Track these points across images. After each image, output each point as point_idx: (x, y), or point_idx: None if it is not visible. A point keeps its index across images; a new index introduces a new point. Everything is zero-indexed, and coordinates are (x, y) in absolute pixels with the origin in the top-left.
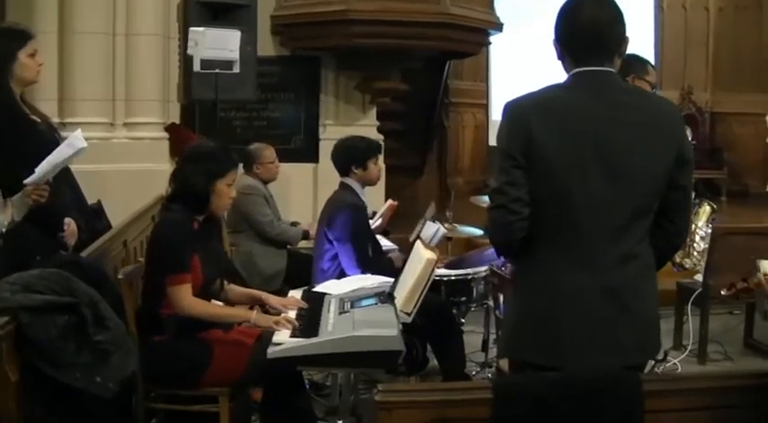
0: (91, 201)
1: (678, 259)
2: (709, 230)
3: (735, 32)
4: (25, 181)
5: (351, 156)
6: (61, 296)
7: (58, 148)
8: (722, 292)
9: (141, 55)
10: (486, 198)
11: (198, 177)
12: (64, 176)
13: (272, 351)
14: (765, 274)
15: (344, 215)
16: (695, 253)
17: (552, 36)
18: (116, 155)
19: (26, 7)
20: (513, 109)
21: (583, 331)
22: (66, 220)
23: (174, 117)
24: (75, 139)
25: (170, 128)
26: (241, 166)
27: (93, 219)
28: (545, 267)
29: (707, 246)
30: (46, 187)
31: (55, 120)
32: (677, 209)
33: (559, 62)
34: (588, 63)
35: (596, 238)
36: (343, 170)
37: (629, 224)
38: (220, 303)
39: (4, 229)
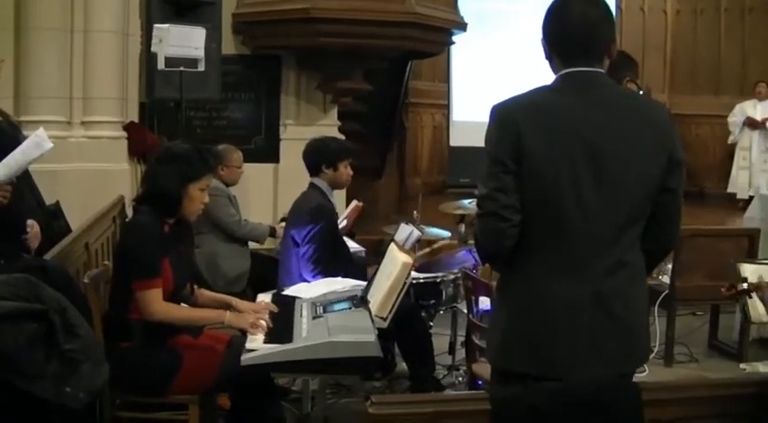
0: (48, 202)
1: None
2: None
3: (692, 35)
4: None
5: (323, 155)
6: (29, 303)
7: (22, 148)
8: (722, 290)
9: (100, 52)
10: (465, 203)
11: (169, 180)
12: (24, 177)
13: (245, 358)
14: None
15: (309, 216)
16: None
17: (538, 35)
18: (73, 154)
19: None
20: (500, 112)
21: (574, 339)
22: (30, 221)
23: (133, 116)
24: (42, 140)
25: (129, 127)
26: None
27: (51, 220)
28: (535, 275)
29: None
30: (8, 188)
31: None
32: (667, 213)
33: (529, 63)
34: (577, 64)
35: (587, 245)
36: (314, 169)
37: (621, 230)
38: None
39: None
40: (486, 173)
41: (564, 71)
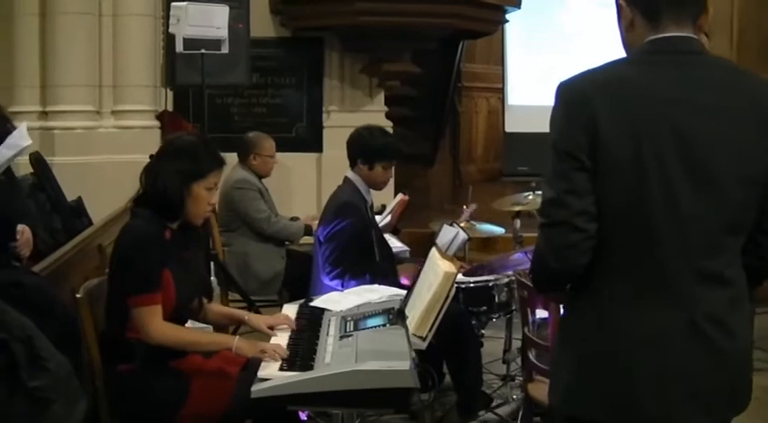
0: (73, 197)
1: None
2: None
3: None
4: None
5: (361, 148)
6: None
7: None
8: None
9: (130, 37)
10: (522, 197)
11: (171, 178)
12: (42, 172)
13: (256, 389)
14: None
15: (334, 213)
16: None
17: (598, 13)
18: (103, 145)
19: None
20: (569, 92)
21: (663, 379)
22: (20, 227)
23: (168, 104)
24: (17, 138)
25: (162, 116)
26: (236, 155)
27: (72, 218)
28: (613, 298)
29: None
30: None
31: (37, 108)
32: None
33: (589, 43)
34: (668, 27)
35: (680, 262)
36: (351, 161)
37: (721, 242)
38: (200, 325)
39: None
40: (551, 171)
41: (651, 38)
